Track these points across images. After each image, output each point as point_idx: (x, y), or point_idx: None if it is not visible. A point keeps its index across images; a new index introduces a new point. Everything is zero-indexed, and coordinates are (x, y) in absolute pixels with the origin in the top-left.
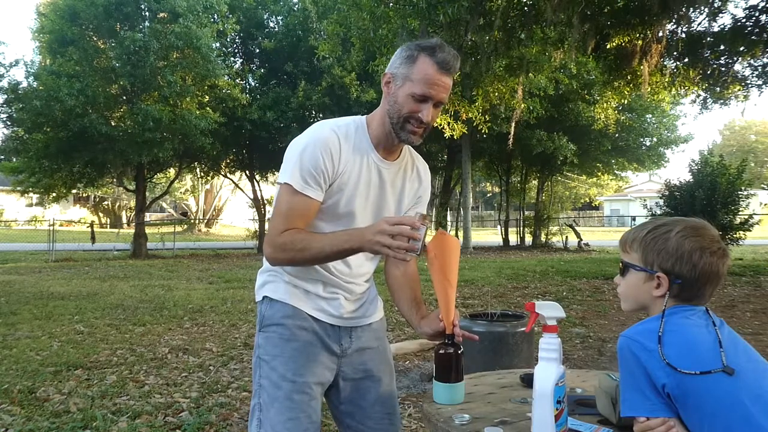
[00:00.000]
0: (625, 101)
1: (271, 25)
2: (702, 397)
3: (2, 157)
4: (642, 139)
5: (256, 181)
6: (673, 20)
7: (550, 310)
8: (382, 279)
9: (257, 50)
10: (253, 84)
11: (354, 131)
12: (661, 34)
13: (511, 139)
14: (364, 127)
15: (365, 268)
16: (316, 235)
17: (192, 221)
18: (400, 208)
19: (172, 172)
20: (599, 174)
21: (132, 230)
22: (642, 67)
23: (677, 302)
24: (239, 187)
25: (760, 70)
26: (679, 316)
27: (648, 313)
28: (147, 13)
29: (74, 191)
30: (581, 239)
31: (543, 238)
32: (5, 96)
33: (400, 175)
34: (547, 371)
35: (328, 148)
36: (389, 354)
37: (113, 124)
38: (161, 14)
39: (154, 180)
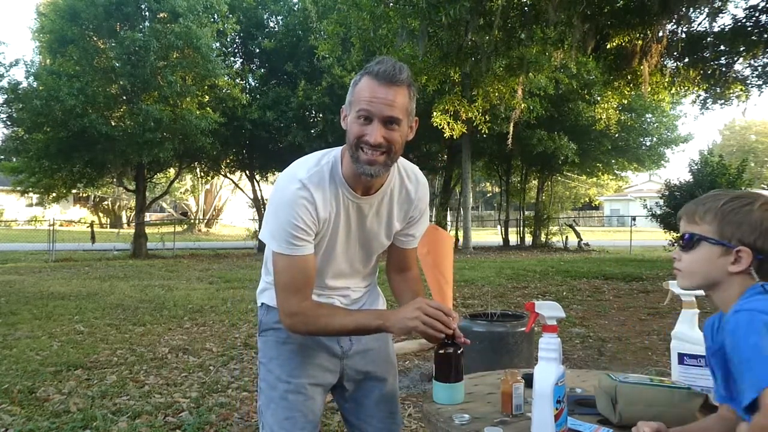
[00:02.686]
0: (626, 101)
1: (271, 25)
2: None
3: (2, 157)
4: (642, 139)
5: (256, 180)
6: (673, 20)
7: (549, 310)
8: (384, 278)
9: (257, 50)
10: (253, 84)
11: (329, 172)
12: (661, 34)
13: (510, 139)
14: (338, 162)
15: (364, 282)
16: (338, 311)
17: (192, 221)
18: (390, 233)
19: (172, 172)
20: (599, 174)
21: (132, 230)
22: (642, 67)
23: (759, 279)
24: (239, 187)
25: (760, 70)
26: None
27: (715, 291)
28: (147, 13)
29: (74, 191)
30: (581, 239)
31: (543, 238)
32: (5, 96)
33: (385, 201)
34: (547, 371)
35: (302, 206)
36: (391, 353)
37: (113, 124)
38: (161, 14)
39: (154, 180)
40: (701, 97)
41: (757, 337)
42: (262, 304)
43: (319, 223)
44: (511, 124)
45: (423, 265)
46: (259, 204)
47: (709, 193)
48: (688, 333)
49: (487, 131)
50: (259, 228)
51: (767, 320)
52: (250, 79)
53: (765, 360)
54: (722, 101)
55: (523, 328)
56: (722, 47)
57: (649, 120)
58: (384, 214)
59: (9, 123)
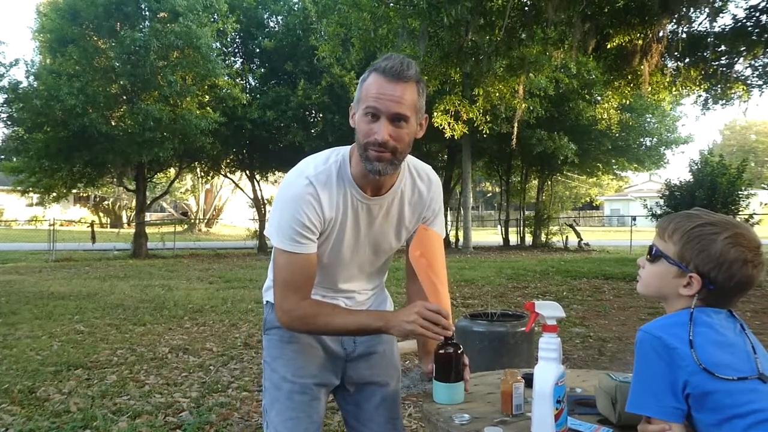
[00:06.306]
0: (626, 101)
1: (271, 24)
2: (724, 401)
3: (2, 157)
4: (642, 139)
5: (256, 180)
6: (674, 20)
7: (549, 310)
8: (400, 286)
9: (257, 50)
10: (253, 83)
11: (336, 171)
12: (661, 33)
13: (514, 140)
14: (347, 162)
15: (370, 285)
16: (339, 310)
17: (192, 221)
18: (401, 236)
19: (172, 171)
20: (599, 174)
21: (132, 230)
22: (642, 67)
23: (703, 305)
24: (239, 187)
25: (760, 70)
26: (705, 317)
27: (666, 304)
28: (147, 13)
29: (74, 191)
30: (581, 239)
31: (543, 237)
32: (5, 96)
33: (396, 203)
34: (547, 371)
35: (308, 203)
36: (396, 358)
37: (113, 123)
38: (161, 14)
39: (154, 180)
40: (702, 98)
41: (641, 362)
42: (267, 302)
43: (324, 223)
44: (516, 124)
45: (416, 267)
46: (259, 204)
47: (686, 212)
48: None
49: (488, 131)
50: (260, 228)
51: (653, 341)
52: (250, 79)
53: (636, 386)
54: (723, 101)
55: (523, 328)
56: (723, 47)
57: (649, 120)
58: (394, 215)
59: (9, 123)
